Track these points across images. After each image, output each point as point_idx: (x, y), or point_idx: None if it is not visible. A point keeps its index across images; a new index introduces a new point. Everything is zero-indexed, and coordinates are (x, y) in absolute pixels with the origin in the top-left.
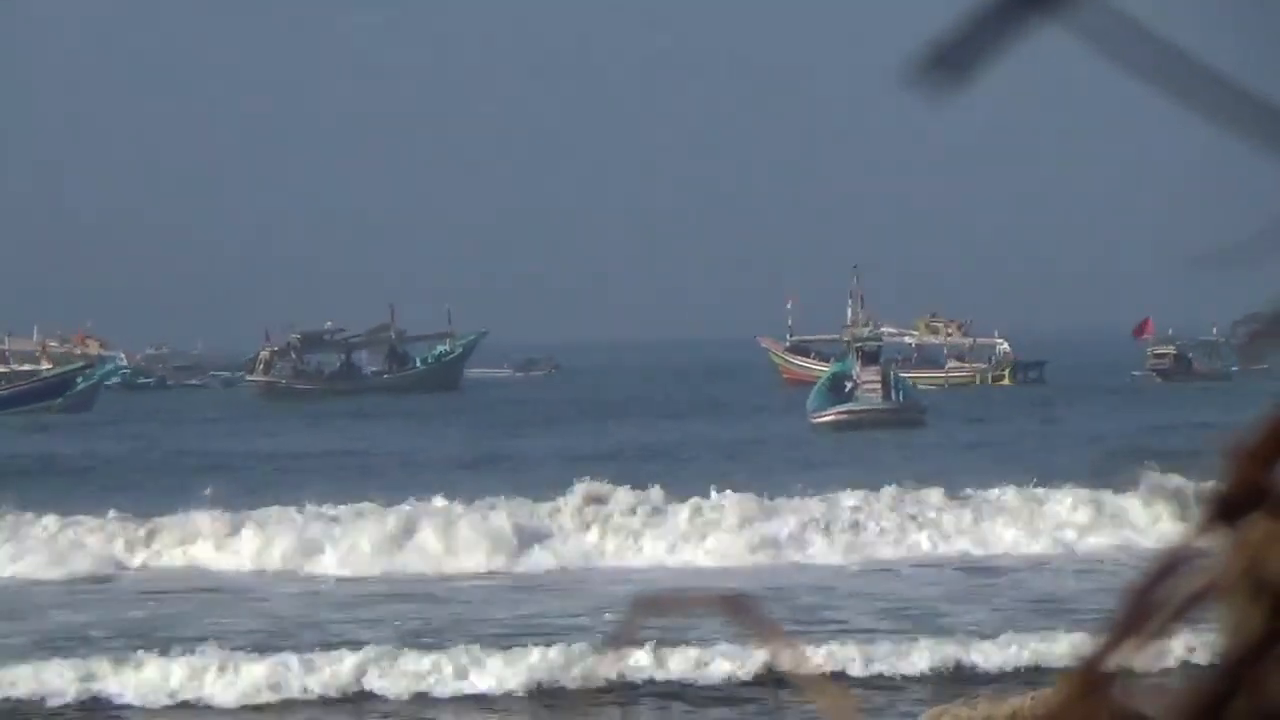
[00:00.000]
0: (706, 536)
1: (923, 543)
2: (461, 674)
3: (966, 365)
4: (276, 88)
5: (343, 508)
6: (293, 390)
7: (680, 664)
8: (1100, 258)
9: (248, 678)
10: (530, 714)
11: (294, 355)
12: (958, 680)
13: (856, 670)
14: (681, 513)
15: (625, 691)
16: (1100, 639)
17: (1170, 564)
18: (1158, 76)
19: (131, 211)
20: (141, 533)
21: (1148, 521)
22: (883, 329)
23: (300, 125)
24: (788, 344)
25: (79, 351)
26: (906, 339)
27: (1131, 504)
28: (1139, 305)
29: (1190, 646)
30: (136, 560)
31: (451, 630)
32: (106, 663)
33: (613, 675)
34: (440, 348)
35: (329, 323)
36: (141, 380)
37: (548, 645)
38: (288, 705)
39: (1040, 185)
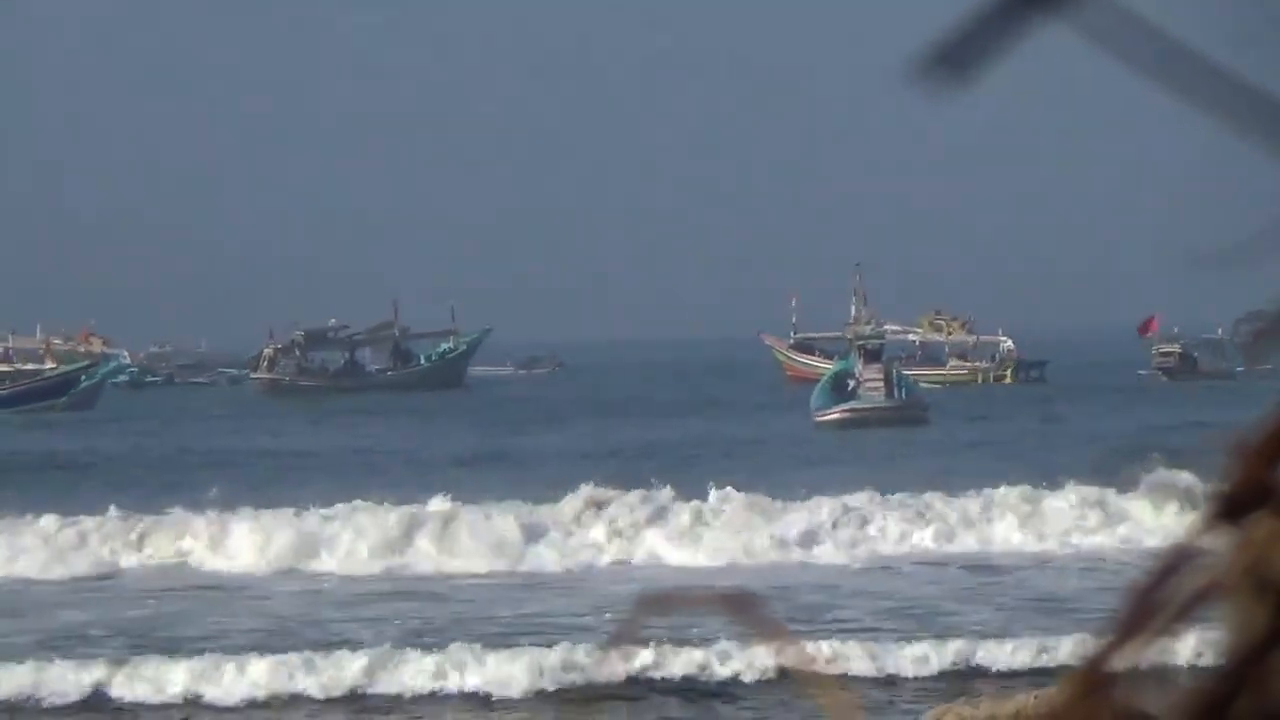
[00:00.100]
0: (710, 536)
1: (925, 541)
2: (465, 674)
3: (969, 364)
4: (277, 87)
5: (346, 506)
6: (297, 387)
7: (687, 662)
8: (1102, 257)
9: (251, 677)
10: (534, 714)
11: (298, 353)
12: (961, 679)
13: (860, 669)
14: (685, 512)
15: (632, 689)
16: (1104, 638)
17: (1174, 563)
18: (1161, 73)
19: (134, 210)
20: (143, 531)
21: (1152, 520)
22: (886, 327)
23: (302, 125)
24: (791, 341)
25: (83, 349)
26: (910, 336)
27: (1136, 503)
28: (1140, 304)
29: (1194, 645)
30: (138, 559)
31: (454, 630)
32: (110, 662)
33: (618, 674)
34: (444, 345)
35: (333, 320)
36: (149, 378)
37: (551, 645)
38: (289, 704)
39: (1043, 184)
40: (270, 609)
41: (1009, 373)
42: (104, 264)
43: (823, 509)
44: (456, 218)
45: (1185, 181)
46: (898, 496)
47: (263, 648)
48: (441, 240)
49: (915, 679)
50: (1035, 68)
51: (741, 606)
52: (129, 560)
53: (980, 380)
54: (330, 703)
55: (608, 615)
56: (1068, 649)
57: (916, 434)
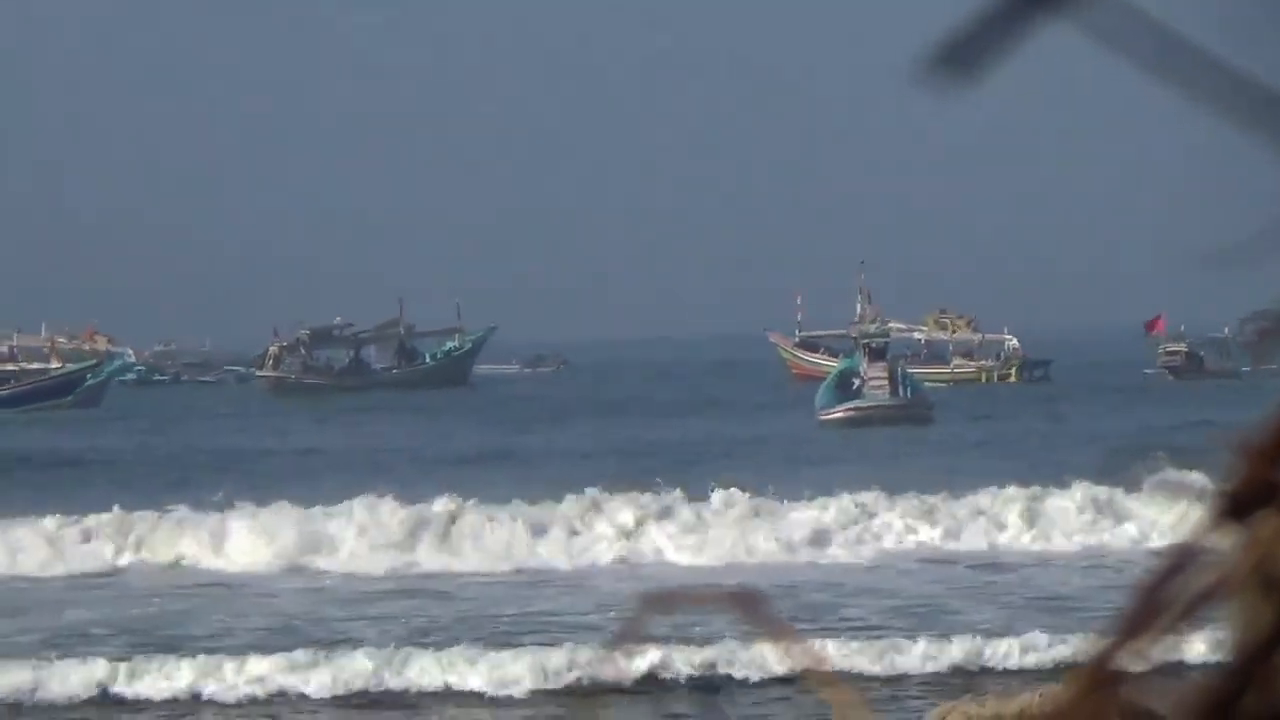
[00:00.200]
0: (714, 535)
1: (930, 540)
2: (470, 673)
3: (973, 362)
4: (279, 87)
5: (351, 504)
6: (302, 385)
7: (693, 660)
8: (1106, 256)
9: (255, 675)
10: (539, 712)
11: (303, 351)
12: (966, 677)
13: (865, 667)
14: (689, 511)
15: (638, 687)
16: (1109, 636)
17: (1180, 561)
18: (1166, 71)
19: (137, 209)
20: (148, 530)
21: (1158, 519)
22: (890, 325)
23: (306, 124)
24: (797, 340)
25: (87, 348)
26: (915, 335)
27: (1142, 502)
28: (1144, 303)
29: (1200, 644)
30: (142, 557)
31: (460, 628)
32: (119, 661)
33: (623, 672)
34: (450, 344)
35: (338, 318)
36: (157, 377)
37: (556, 644)
38: (291, 703)
39: (1047, 183)
40: (275, 607)
41: (1013, 372)
42: (108, 263)
43: (827, 508)
44: (461, 217)
45: (1189, 180)
46: (903, 495)
47: (267, 646)
48: (446, 239)
49: (920, 677)
50: (1040, 66)
51: (748, 604)
52: (133, 558)
53: (984, 379)
54: (334, 701)
55: (612, 614)
56: (1074, 648)
57: (921, 433)
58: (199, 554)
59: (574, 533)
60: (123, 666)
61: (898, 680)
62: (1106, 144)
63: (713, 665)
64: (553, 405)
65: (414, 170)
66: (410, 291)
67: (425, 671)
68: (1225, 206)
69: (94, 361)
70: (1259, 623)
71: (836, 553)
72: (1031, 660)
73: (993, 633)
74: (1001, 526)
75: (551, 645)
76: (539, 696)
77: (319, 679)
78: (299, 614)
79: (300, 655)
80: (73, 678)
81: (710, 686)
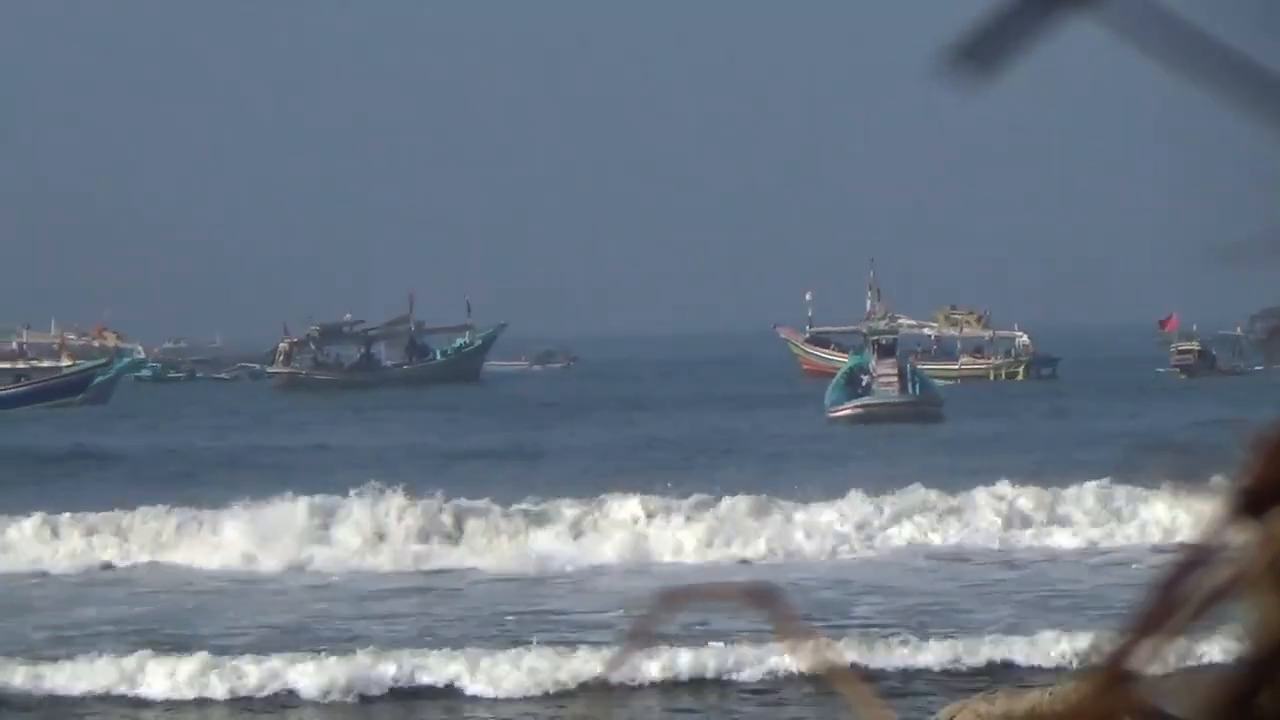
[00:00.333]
0: (724, 532)
1: (940, 537)
2: (478, 670)
3: (983, 359)
4: (287, 85)
5: (361, 501)
6: (312, 382)
7: (704, 657)
8: (1118, 253)
9: (258, 673)
10: (547, 711)
11: (313, 347)
12: (975, 675)
13: (875, 664)
14: (699, 509)
15: (648, 685)
16: (1123, 634)
17: (1194, 558)
18: (1184, 67)
19: (146, 206)
20: (153, 527)
21: (1172, 517)
22: (901, 321)
23: (316, 122)
24: (807, 335)
25: (97, 344)
26: (926, 331)
27: (1156, 499)
28: (1156, 302)
29: (1216, 642)
30: (148, 554)
31: (468, 626)
32: (125, 659)
33: (636, 670)
34: (460, 340)
35: (348, 314)
36: (171, 374)
37: (566, 642)
38: (294, 702)
39: (1061, 179)
40: (281, 605)
41: (1021, 370)
42: (118, 259)
43: (836, 505)
44: (471, 214)
45: (1202, 177)
46: (912, 492)
47: (272, 645)
48: (456, 236)
49: (930, 675)
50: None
51: (763, 601)
52: (138, 556)
53: (992, 376)
54: (339, 700)
55: (623, 611)
56: (1086, 645)
57: (931, 430)
58: (204, 552)
59: (583, 530)
60: (130, 664)
61: (906, 678)
62: (1120, 141)
63: (723, 662)
64: (561, 402)
65: (423, 168)
66: (420, 288)
67: (433, 670)
68: (1238, 204)
69: (103, 360)
70: (1275, 620)
71: (845, 550)
72: (1042, 658)
73: (1003, 631)
74: (1012, 524)
75: (561, 643)
76: (547, 695)
77: (324, 678)
78: (306, 612)
79: (306, 654)
80: (81, 676)
81: (722, 684)
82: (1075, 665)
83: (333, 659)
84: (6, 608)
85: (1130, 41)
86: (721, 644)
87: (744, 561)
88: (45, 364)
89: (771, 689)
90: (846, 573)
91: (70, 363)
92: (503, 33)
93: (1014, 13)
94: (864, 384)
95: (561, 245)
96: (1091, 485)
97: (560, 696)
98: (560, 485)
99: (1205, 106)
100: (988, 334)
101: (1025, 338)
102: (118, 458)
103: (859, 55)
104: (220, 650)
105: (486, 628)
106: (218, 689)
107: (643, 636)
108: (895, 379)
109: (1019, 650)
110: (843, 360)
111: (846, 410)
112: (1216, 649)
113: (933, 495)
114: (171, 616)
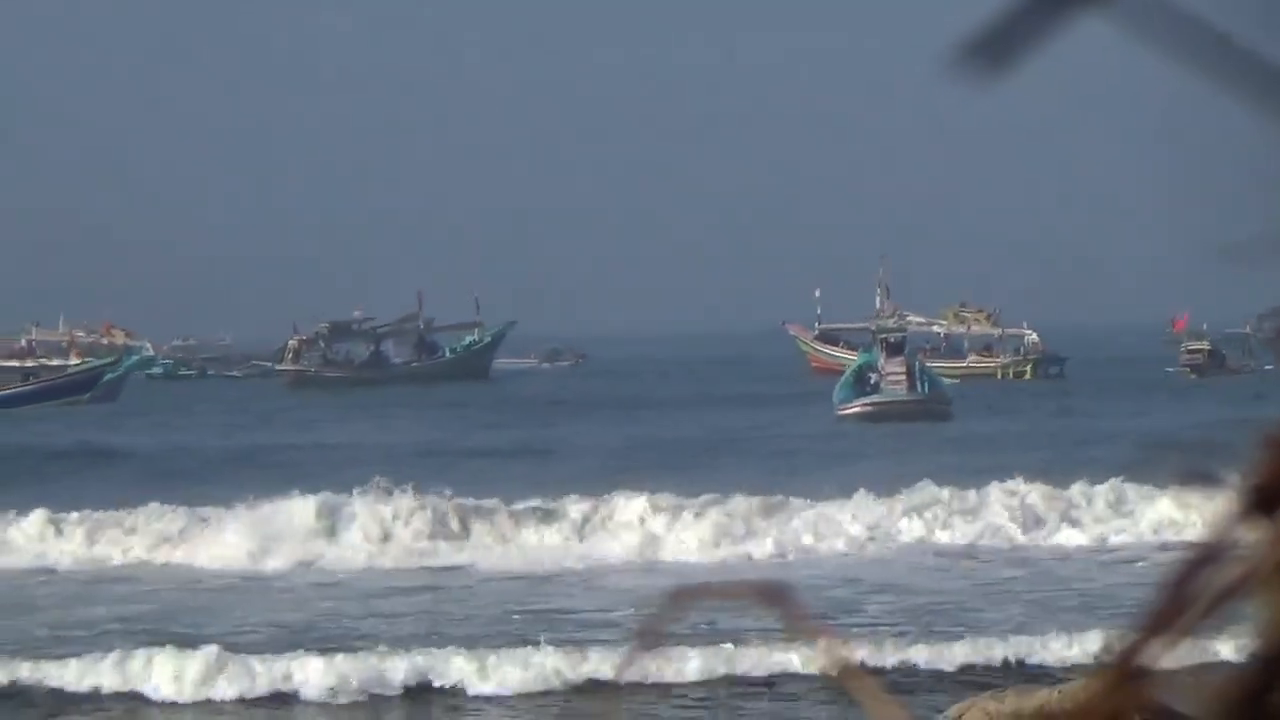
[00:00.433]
0: (732, 531)
1: (949, 536)
2: (484, 669)
3: (989, 358)
4: (293, 82)
5: (368, 499)
6: (322, 379)
7: (714, 655)
8: (1127, 252)
9: (263, 671)
10: (553, 710)
11: (322, 344)
12: (985, 674)
13: (885, 663)
14: (707, 507)
15: (657, 684)
16: (1134, 632)
17: (1205, 556)
18: (1197, 64)
19: (153, 205)
20: (161, 525)
21: (1183, 515)
22: (910, 318)
23: (324, 120)
24: (816, 332)
25: (105, 342)
26: (935, 328)
27: (1167, 498)
28: (1165, 301)
29: (1226, 640)
30: (154, 552)
31: (475, 625)
32: (130, 657)
33: (645, 669)
34: (469, 338)
35: (357, 312)
36: (183, 371)
37: (573, 641)
38: (297, 702)
39: (1071, 178)
40: (287, 604)
41: (1029, 369)
42: (125, 258)
43: (845, 504)
44: (480, 211)
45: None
46: (921, 491)
47: (279, 643)
48: (465, 234)
49: (939, 673)
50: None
51: (773, 599)
52: (144, 554)
53: (1000, 375)
54: (344, 699)
55: (632, 610)
56: (1097, 644)
57: (939, 428)
58: (211, 549)
59: (591, 528)
60: (136, 662)
61: (915, 677)
62: (1122, 140)
63: (733, 660)
64: (570, 400)
65: (433, 166)
66: (429, 286)
67: (440, 669)
68: (1241, 202)
69: (112, 358)
70: None
71: (854, 548)
72: (1051, 657)
73: (1012, 629)
74: (1022, 522)
75: (569, 642)
76: (555, 694)
77: (331, 676)
78: (313, 611)
79: (313, 652)
80: (86, 673)
81: (733, 682)
82: (1085, 663)
83: (340, 658)
84: (12, 605)
85: (1139, 38)
86: (730, 643)
87: (753, 560)
88: (54, 362)
89: (782, 687)
90: (856, 571)
91: (79, 361)
92: (508, 30)
93: (1025, 10)
94: (872, 382)
95: (570, 243)
96: (1102, 483)
97: (568, 696)
98: (568, 483)
99: (1210, 104)
100: (997, 332)
101: (1035, 335)
102: (126, 455)
103: (866, 52)
104: (227, 649)
105: (494, 626)
106: (224, 688)
107: (652, 635)
108: (904, 377)
109: (1028, 649)
110: (851, 358)
111: (855, 408)
112: (1227, 647)
113: (943, 493)
114: (178, 614)
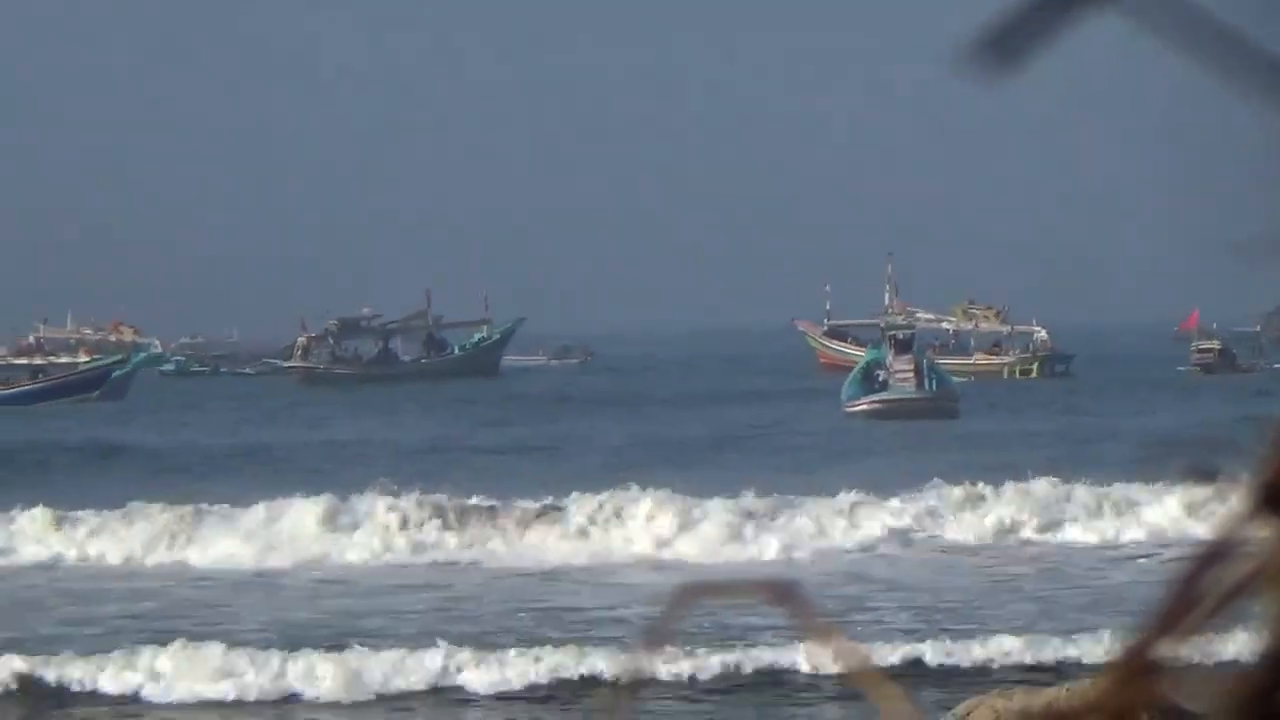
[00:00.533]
0: (738, 529)
1: (958, 534)
2: (490, 667)
3: (996, 356)
4: (300, 79)
5: (372, 496)
6: (331, 376)
7: (723, 654)
8: (1135, 250)
9: (267, 670)
10: (558, 709)
11: (331, 341)
12: (994, 672)
13: (893, 662)
14: (715, 505)
15: (666, 681)
16: (1143, 630)
17: (1215, 554)
18: (1209, 61)
19: (159, 202)
20: (167, 522)
21: (1193, 513)
22: (919, 315)
23: (332, 118)
24: (825, 328)
25: (114, 339)
26: (944, 325)
27: (1177, 495)
28: (1175, 300)
29: (1235, 637)
30: (160, 550)
31: (481, 623)
32: (142, 654)
33: (653, 667)
34: (478, 335)
35: (366, 308)
36: (195, 368)
37: (581, 639)
38: (301, 701)
39: (1081, 176)
40: (293, 601)
41: (1035, 367)
42: (133, 255)
43: (853, 500)
44: (489, 209)
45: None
46: (929, 488)
47: (285, 640)
48: (473, 231)
49: (947, 671)
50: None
51: (785, 597)
52: (149, 553)
53: (1006, 374)
54: (348, 698)
55: (641, 607)
56: (1106, 642)
57: (947, 426)
58: (216, 547)
59: (599, 525)
60: (142, 660)
61: (923, 674)
62: (1123, 140)
63: (742, 659)
64: (579, 397)
65: (441, 163)
66: (437, 283)
67: (446, 667)
68: (1243, 201)
69: (120, 356)
70: None
71: (863, 545)
72: (1060, 655)
73: (1021, 627)
74: (1029, 520)
75: (576, 640)
76: (561, 692)
77: (337, 674)
78: (319, 609)
79: (319, 650)
80: (91, 671)
81: (741, 680)
82: (1094, 661)
83: (345, 655)
84: (18, 602)
85: (1146, 34)
86: (741, 640)
87: (760, 557)
88: (62, 359)
89: (791, 685)
90: (864, 568)
91: (87, 358)
92: (516, 27)
93: (1034, 7)
94: (880, 379)
95: (578, 241)
96: (1112, 481)
97: (575, 693)
98: (576, 480)
99: (1215, 100)
100: (1006, 329)
101: (1044, 333)
102: (134, 452)
103: (873, 49)
104: (232, 646)
105: (501, 623)
106: (229, 685)
107: (661, 633)
108: (912, 374)
109: (1037, 646)
110: (860, 354)
111: (863, 405)
112: (1236, 644)
113: (952, 490)
114: (183, 612)
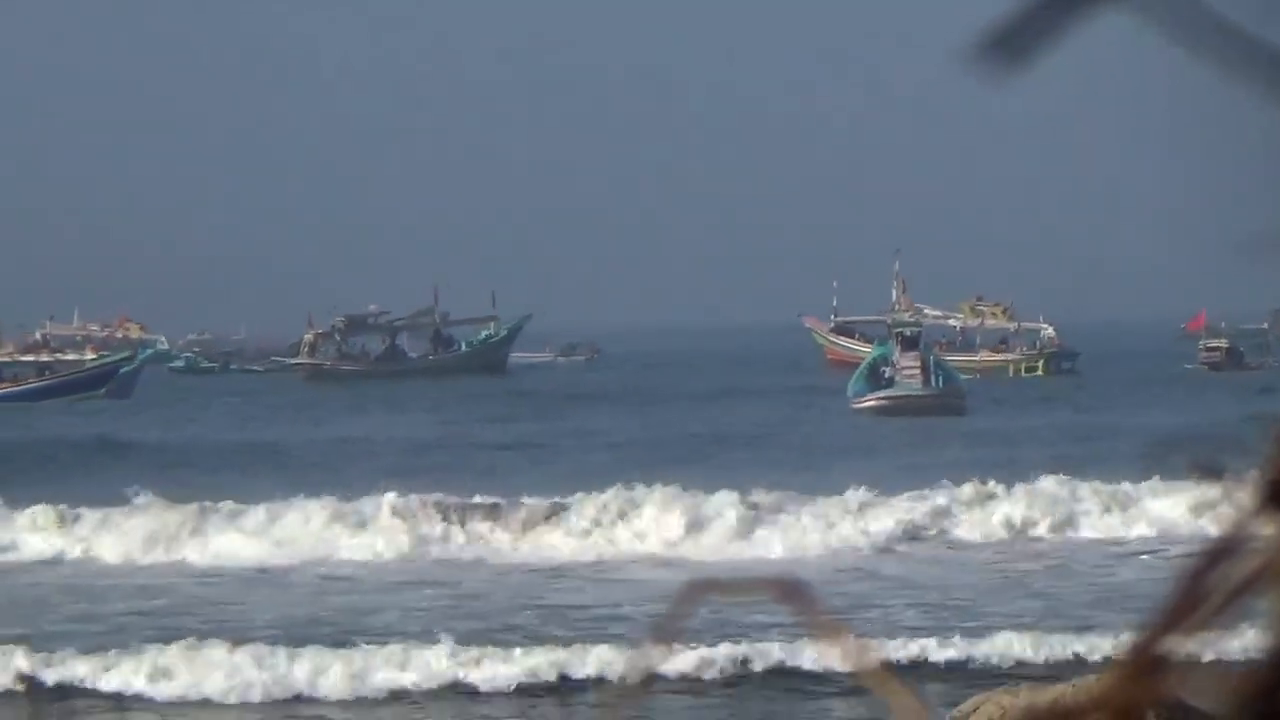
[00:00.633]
0: (743, 527)
1: (964, 531)
2: (495, 665)
3: (1002, 352)
4: (309, 76)
5: (378, 494)
6: (338, 373)
7: (728, 652)
8: (1144, 248)
9: (270, 668)
10: (560, 708)
11: (338, 338)
12: (999, 669)
13: (900, 658)
14: (722, 502)
15: (673, 679)
16: (1149, 626)
17: (1221, 550)
18: (1216, 58)
19: (166, 199)
20: (172, 519)
21: (1199, 510)
22: (926, 312)
23: (340, 116)
24: (832, 325)
25: (120, 336)
26: (951, 321)
27: (1183, 492)
28: (1181, 297)
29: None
30: (166, 548)
31: (485, 620)
32: (146, 652)
33: (660, 665)
34: (485, 331)
35: (373, 306)
36: (204, 365)
37: (586, 637)
38: (304, 701)
39: (1089, 173)
40: (297, 599)
41: (1041, 364)
42: (140, 252)
43: (859, 497)
44: (496, 205)
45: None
46: (936, 486)
47: (289, 639)
48: (481, 228)
49: (954, 667)
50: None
51: (789, 594)
52: (159, 549)
53: (1012, 371)
54: (352, 697)
55: (647, 605)
56: (1113, 639)
57: (954, 423)
58: (221, 545)
59: (605, 523)
60: (147, 657)
61: (929, 671)
62: (1127, 139)
63: (748, 657)
64: (585, 394)
65: (448, 160)
66: (444, 280)
67: (451, 665)
68: (1251, 199)
69: (127, 353)
70: None
71: (869, 543)
72: (1067, 652)
73: (1028, 624)
74: (1038, 517)
75: (582, 638)
76: (566, 690)
77: (341, 672)
78: (323, 606)
79: (323, 648)
80: (96, 668)
81: (746, 678)
82: (1101, 658)
83: (350, 653)
84: (23, 599)
85: (1158, 31)
86: (745, 637)
87: (764, 556)
88: (69, 356)
89: (799, 682)
90: (871, 565)
91: (94, 355)
92: (523, 24)
93: (1043, 4)
94: (887, 376)
95: (585, 239)
96: (1119, 478)
97: (580, 691)
98: (583, 477)
99: (1223, 98)
100: (1013, 326)
101: (1051, 330)
102: (138, 449)
103: (880, 47)
104: (236, 644)
105: (507, 620)
106: (232, 683)
107: (668, 630)
108: (918, 371)
109: (1044, 643)
110: (867, 350)
111: (870, 401)
112: (1243, 641)
113: (959, 488)
114: (188, 609)
